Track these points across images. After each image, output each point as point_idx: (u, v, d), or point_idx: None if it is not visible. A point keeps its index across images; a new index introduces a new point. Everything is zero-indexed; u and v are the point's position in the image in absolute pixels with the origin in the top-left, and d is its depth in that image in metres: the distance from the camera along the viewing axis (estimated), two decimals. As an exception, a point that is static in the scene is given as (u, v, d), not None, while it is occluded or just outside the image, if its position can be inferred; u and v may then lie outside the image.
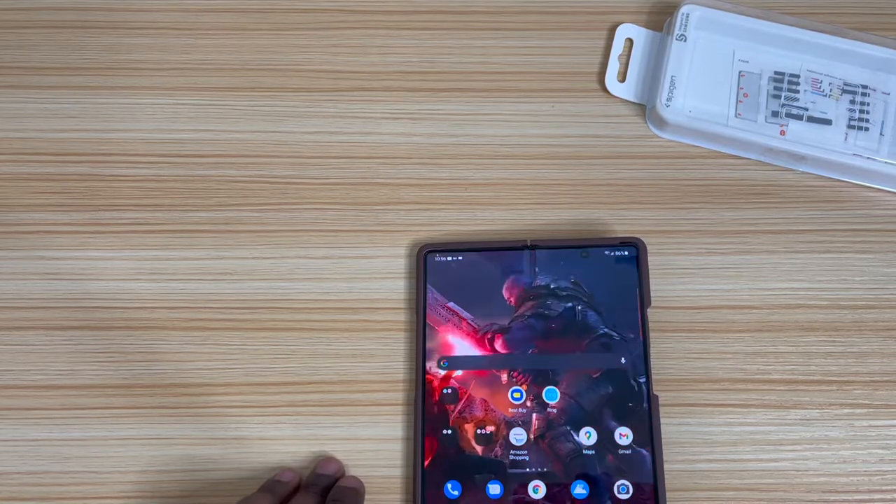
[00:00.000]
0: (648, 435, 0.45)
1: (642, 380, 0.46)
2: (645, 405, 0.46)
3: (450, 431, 0.46)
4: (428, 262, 0.49)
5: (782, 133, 0.52)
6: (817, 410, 0.48)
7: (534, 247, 0.49)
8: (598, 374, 0.46)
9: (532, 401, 0.46)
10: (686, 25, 0.53)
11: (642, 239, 0.49)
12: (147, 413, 0.48)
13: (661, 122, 0.52)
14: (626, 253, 0.48)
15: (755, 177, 0.52)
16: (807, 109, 0.52)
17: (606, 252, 0.49)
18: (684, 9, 0.53)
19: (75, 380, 0.48)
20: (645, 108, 0.53)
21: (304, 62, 0.54)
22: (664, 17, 0.55)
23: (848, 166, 0.51)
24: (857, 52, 0.53)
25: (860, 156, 0.51)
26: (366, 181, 0.52)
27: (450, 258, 0.49)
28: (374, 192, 0.52)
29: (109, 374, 0.49)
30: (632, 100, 0.54)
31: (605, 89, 0.54)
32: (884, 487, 0.47)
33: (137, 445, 0.47)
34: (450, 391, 0.47)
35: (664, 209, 0.52)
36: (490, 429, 0.46)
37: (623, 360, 0.46)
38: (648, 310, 0.48)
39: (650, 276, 0.48)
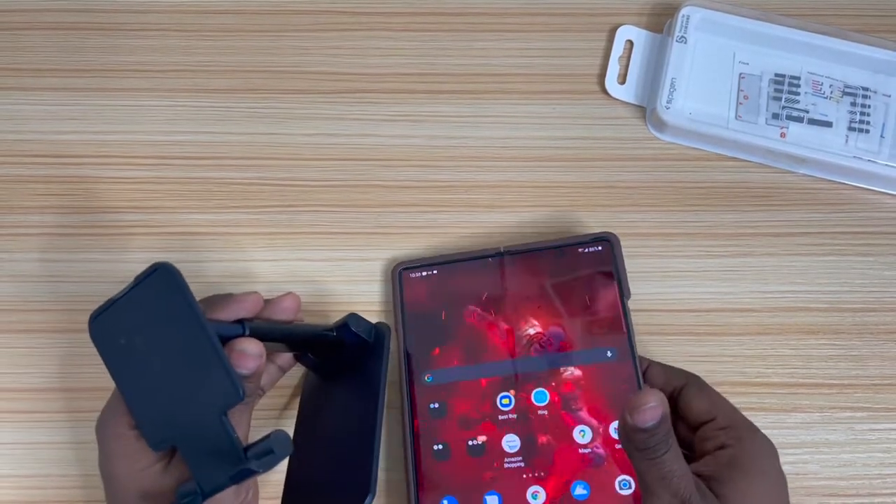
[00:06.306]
0: None
1: (631, 371, 0.45)
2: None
3: (441, 447, 0.45)
4: (403, 280, 0.48)
5: (783, 135, 0.52)
6: (818, 414, 0.48)
7: (508, 253, 0.48)
8: (586, 371, 0.45)
9: (521, 405, 0.45)
10: (686, 27, 0.53)
11: (615, 233, 0.48)
12: (147, 416, 0.48)
13: (661, 125, 0.52)
14: (600, 248, 0.48)
15: (755, 179, 0.52)
16: (807, 112, 0.52)
17: (580, 250, 0.48)
18: (685, 10, 0.53)
19: (76, 383, 0.48)
20: (645, 111, 0.53)
21: (304, 64, 0.54)
22: (664, 18, 0.55)
23: (848, 169, 0.51)
24: (857, 54, 0.52)
25: (860, 158, 0.51)
26: (365, 183, 0.52)
27: (425, 273, 0.48)
28: (374, 195, 0.52)
29: (109, 377, 0.48)
30: (632, 102, 0.53)
31: (605, 91, 0.54)
32: (884, 491, 0.47)
33: (137, 448, 0.47)
34: (437, 405, 0.45)
35: (664, 211, 0.51)
36: (482, 439, 0.45)
37: (609, 354, 0.46)
38: (628, 301, 0.47)
39: (626, 267, 0.47)
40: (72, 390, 0.48)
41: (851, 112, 0.52)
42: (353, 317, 0.43)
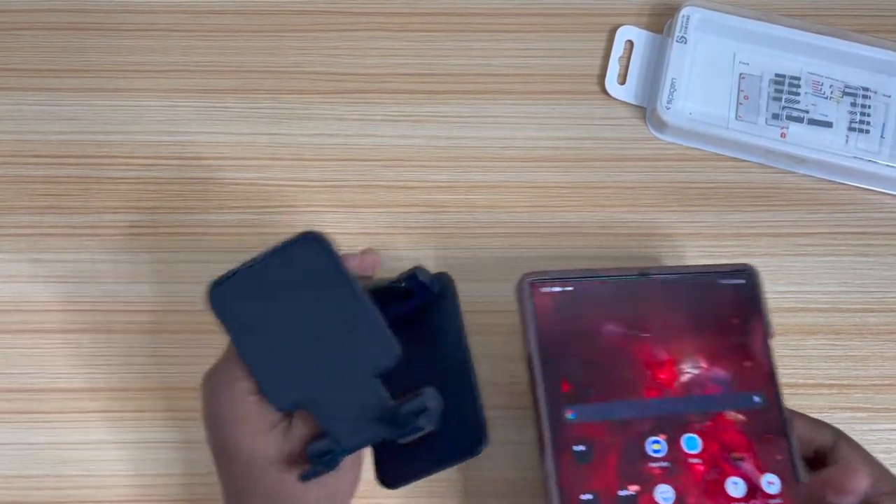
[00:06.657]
0: (795, 481, 0.40)
1: (778, 419, 0.41)
2: (785, 446, 0.40)
3: (591, 497, 0.39)
4: (535, 295, 0.42)
5: (783, 135, 0.52)
6: (818, 414, 0.47)
7: (649, 274, 0.43)
8: (735, 416, 0.41)
9: (673, 451, 0.40)
10: (687, 27, 0.53)
11: (752, 265, 0.44)
12: (147, 416, 0.48)
13: (661, 125, 0.52)
14: (743, 281, 0.43)
15: (755, 179, 0.52)
16: (807, 112, 0.52)
17: (721, 280, 0.43)
18: (685, 11, 0.53)
19: (75, 383, 0.48)
20: (645, 111, 0.53)
21: (304, 64, 0.54)
22: (665, 18, 0.55)
23: (848, 169, 0.51)
24: (858, 55, 0.52)
25: (861, 158, 0.51)
26: (365, 184, 0.52)
27: (558, 289, 0.43)
28: (374, 195, 0.52)
29: (109, 378, 0.48)
30: (632, 102, 0.53)
31: (605, 91, 0.54)
32: (884, 491, 0.47)
33: (138, 449, 0.47)
34: (582, 448, 0.40)
35: (664, 212, 0.51)
36: (633, 489, 0.39)
37: (757, 399, 0.41)
38: (770, 340, 0.43)
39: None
40: (70, 390, 0.48)
41: (851, 112, 0.52)
42: (419, 268, 0.42)
